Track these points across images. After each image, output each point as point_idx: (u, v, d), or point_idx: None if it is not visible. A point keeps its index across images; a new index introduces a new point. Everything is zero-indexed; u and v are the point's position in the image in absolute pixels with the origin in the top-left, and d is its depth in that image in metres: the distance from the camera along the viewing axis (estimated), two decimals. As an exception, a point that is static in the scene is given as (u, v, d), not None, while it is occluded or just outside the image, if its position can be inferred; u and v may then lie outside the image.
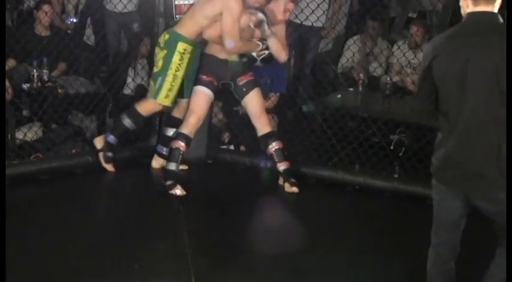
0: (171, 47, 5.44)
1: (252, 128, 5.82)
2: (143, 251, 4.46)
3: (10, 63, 6.66)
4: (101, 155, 5.83)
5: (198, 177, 5.75)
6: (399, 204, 5.59)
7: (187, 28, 5.45)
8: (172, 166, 5.53)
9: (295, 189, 5.68)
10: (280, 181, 5.78)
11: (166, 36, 5.48)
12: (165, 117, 6.03)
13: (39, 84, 6.56)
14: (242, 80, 5.67)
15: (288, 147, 6.00)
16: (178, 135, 5.55)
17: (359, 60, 7.40)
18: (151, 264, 4.31)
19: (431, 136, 6.02)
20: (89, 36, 7.99)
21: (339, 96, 6.88)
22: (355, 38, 7.66)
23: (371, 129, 6.26)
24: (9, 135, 5.82)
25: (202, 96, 5.58)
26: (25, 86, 6.58)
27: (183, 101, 5.70)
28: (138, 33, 7.50)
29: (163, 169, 5.65)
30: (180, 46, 5.43)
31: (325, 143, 6.21)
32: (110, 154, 5.83)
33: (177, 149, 5.51)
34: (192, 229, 4.86)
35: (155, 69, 5.56)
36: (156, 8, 6.22)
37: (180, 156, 5.53)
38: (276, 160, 5.71)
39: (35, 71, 6.54)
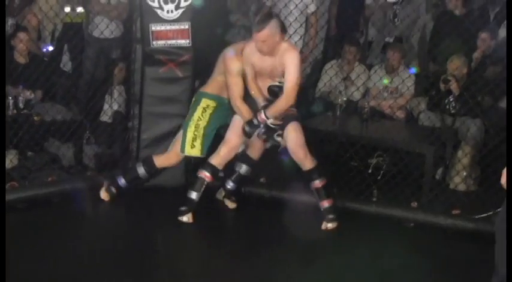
0: (196, 103, 5.66)
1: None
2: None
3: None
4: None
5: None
6: (378, 227, 5.57)
7: (208, 86, 5.70)
8: (193, 195, 5.53)
9: (330, 225, 5.52)
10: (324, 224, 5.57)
11: (193, 99, 5.77)
12: (240, 153, 5.81)
13: (15, 111, 6.52)
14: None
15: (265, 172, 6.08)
16: (206, 165, 5.54)
17: (336, 85, 7.41)
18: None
19: (408, 159, 6.06)
20: (66, 63, 7.94)
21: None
22: (332, 62, 7.67)
23: (349, 153, 6.26)
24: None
25: (238, 127, 5.50)
26: None
27: (255, 141, 5.61)
28: (115, 59, 7.46)
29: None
30: (204, 102, 5.63)
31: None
32: (113, 190, 5.86)
33: (202, 178, 5.51)
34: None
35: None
36: (133, 34, 6.19)
37: (203, 186, 5.51)
38: (318, 199, 5.57)
39: (10, 98, 6.49)
